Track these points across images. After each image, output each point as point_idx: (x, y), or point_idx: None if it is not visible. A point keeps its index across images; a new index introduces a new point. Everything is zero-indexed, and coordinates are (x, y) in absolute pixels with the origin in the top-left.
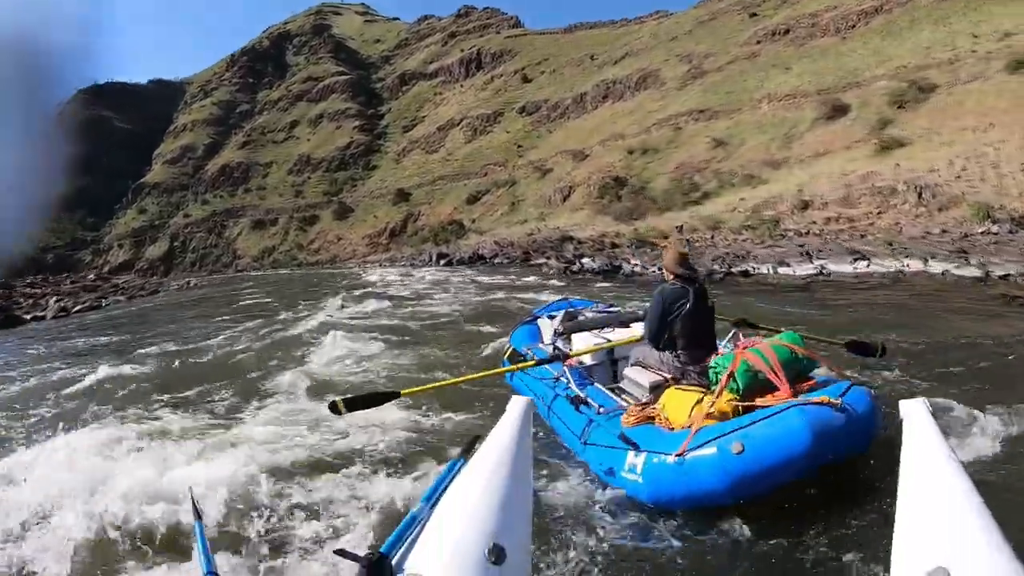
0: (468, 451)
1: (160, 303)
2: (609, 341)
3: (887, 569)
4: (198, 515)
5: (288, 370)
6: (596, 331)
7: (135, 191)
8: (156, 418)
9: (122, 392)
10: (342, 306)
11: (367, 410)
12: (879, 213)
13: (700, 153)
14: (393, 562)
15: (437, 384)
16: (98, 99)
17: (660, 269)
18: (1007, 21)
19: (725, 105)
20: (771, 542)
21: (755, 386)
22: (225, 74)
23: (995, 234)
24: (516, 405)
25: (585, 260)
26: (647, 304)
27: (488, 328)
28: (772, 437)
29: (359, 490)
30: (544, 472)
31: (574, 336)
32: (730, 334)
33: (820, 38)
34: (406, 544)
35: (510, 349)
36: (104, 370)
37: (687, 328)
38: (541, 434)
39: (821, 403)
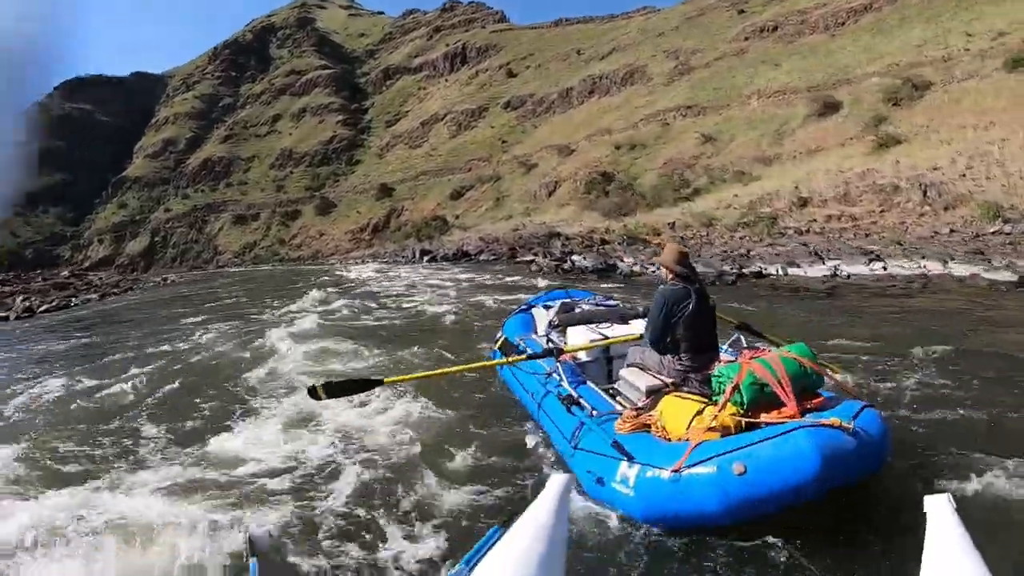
0: (507, 522)
1: (134, 302)
2: (606, 338)
3: None
4: (253, 553)
5: (268, 377)
6: (593, 325)
7: (115, 185)
8: (121, 443)
9: (80, 409)
10: (323, 305)
11: (349, 396)
12: (882, 211)
13: (689, 149)
14: None
15: (423, 374)
16: (79, 92)
17: (658, 268)
18: (1000, 20)
19: (713, 101)
20: (769, 567)
21: (760, 400)
22: (208, 67)
23: (1008, 234)
24: (556, 483)
25: (576, 257)
26: (650, 303)
27: (477, 324)
28: (778, 460)
29: (391, 537)
30: (528, 476)
31: (569, 329)
32: (732, 338)
33: (809, 35)
34: None
35: (502, 339)
36: (58, 383)
37: (690, 331)
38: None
39: (832, 426)
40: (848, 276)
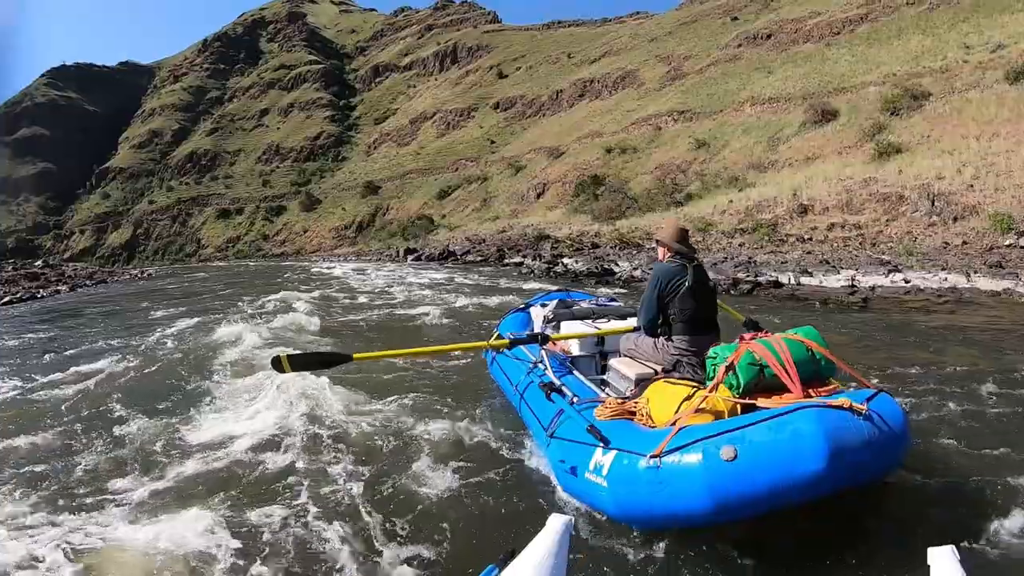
0: (504, 562)
1: (105, 295)
2: (599, 330)
3: None
4: None
5: (231, 373)
6: (589, 321)
7: (99, 175)
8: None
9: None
10: (301, 302)
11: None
12: (887, 221)
13: (682, 154)
14: None
15: (395, 352)
16: (66, 81)
17: (654, 246)
18: (998, 33)
19: (706, 107)
20: None
21: (759, 383)
22: (196, 59)
23: (1023, 248)
24: (554, 523)
25: (567, 260)
26: None
27: (463, 325)
28: (776, 444)
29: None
30: (502, 468)
31: (563, 324)
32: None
33: (803, 44)
34: None
35: (495, 335)
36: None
37: (686, 309)
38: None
39: (842, 407)
40: (873, 288)
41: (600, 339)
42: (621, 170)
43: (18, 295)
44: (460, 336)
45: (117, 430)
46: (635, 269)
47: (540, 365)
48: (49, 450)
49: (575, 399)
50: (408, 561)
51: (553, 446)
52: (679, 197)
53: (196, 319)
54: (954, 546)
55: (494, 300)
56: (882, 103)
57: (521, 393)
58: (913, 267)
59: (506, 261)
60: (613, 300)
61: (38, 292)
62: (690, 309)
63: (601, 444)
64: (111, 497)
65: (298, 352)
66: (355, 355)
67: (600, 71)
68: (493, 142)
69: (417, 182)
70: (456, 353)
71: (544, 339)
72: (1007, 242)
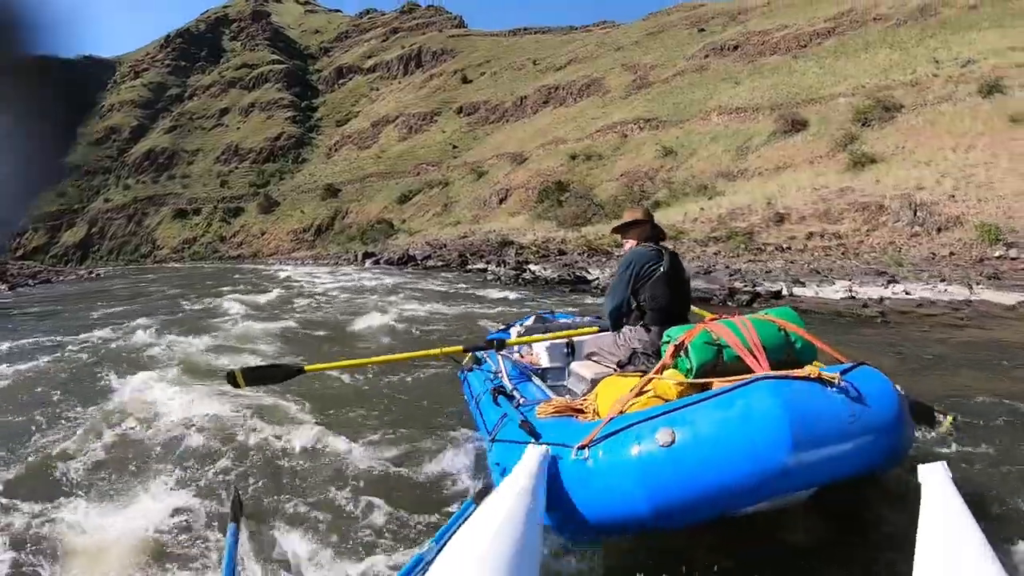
0: (481, 495)
1: (45, 295)
2: (569, 343)
3: None
4: (236, 517)
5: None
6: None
7: None
8: None
9: None
10: (253, 308)
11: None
12: (868, 230)
13: (648, 161)
14: None
15: (347, 363)
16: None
17: (621, 233)
18: (966, 49)
19: (673, 115)
20: None
21: (717, 366)
22: (158, 55)
23: (1014, 259)
24: (532, 454)
25: (535, 267)
26: None
27: (425, 336)
28: (723, 424)
29: (359, 520)
30: (444, 478)
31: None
32: None
33: (771, 56)
34: None
35: (468, 359)
36: None
37: (657, 297)
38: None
39: (808, 377)
40: (880, 300)
41: (571, 349)
42: (586, 177)
43: None
44: (419, 346)
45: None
46: (611, 277)
47: (499, 373)
48: None
49: (523, 401)
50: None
51: (494, 449)
52: (647, 204)
53: (135, 321)
54: (945, 462)
55: (457, 308)
56: (853, 114)
57: (477, 402)
58: (908, 278)
59: (469, 267)
60: (599, 318)
61: None
62: (662, 298)
63: (532, 439)
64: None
65: (251, 366)
66: (307, 367)
67: (565, 78)
68: (455, 147)
69: (377, 186)
70: (417, 363)
71: (500, 345)
72: (996, 253)
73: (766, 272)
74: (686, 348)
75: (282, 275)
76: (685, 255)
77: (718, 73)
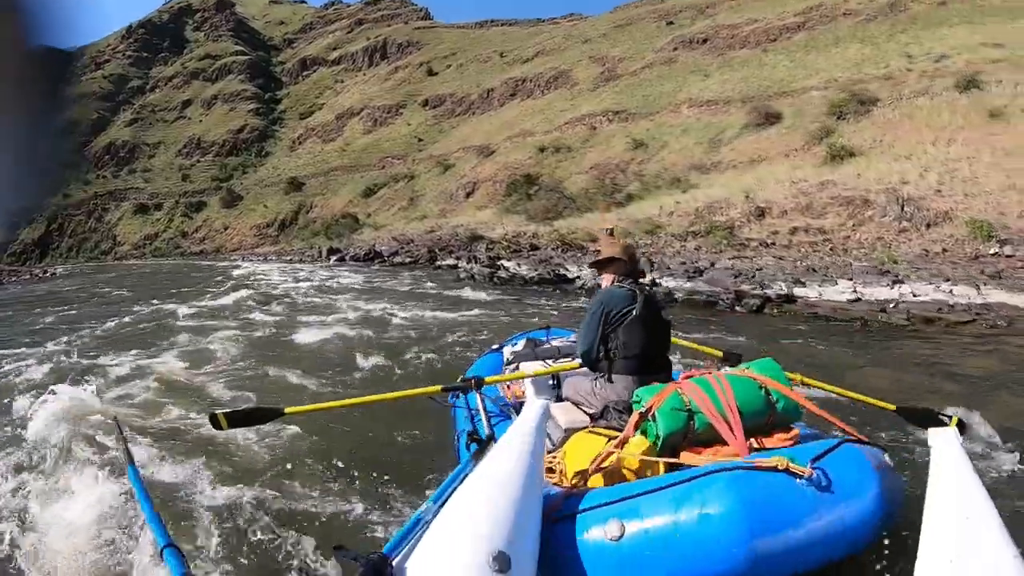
0: (480, 453)
1: None
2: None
3: None
4: (130, 458)
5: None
6: (549, 361)
7: None
8: None
9: None
10: (218, 309)
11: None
12: (854, 225)
13: (619, 154)
14: (394, 563)
15: (326, 405)
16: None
17: (597, 268)
18: (938, 45)
19: (642, 107)
20: None
21: (686, 434)
22: (119, 46)
23: (1010, 256)
24: (531, 408)
25: (508, 264)
26: None
27: (403, 351)
28: (676, 523)
29: (360, 486)
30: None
31: (522, 366)
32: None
33: (740, 49)
34: (408, 546)
35: (458, 379)
36: None
37: (631, 343)
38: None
39: (775, 468)
40: (896, 304)
41: (556, 381)
42: (555, 169)
43: None
44: (395, 365)
45: None
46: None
47: (476, 412)
48: None
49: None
50: None
51: None
52: (619, 197)
53: (88, 330)
54: (955, 428)
55: (433, 314)
56: (828, 107)
57: (456, 442)
58: (910, 277)
59: (438, 263)
60: None
61: None
62: (636, 344)
63: None
64: None
65: (233, 410)
66: (287, 410)
67: (532, 70)
68: (421, 140)
69: (342, 179)
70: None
71: (478, 383)
72: (992, 251)
73: (757, 270)
74: (654, 415)
75: (245, 274)
76: (663, 251)
77: (687, 66)
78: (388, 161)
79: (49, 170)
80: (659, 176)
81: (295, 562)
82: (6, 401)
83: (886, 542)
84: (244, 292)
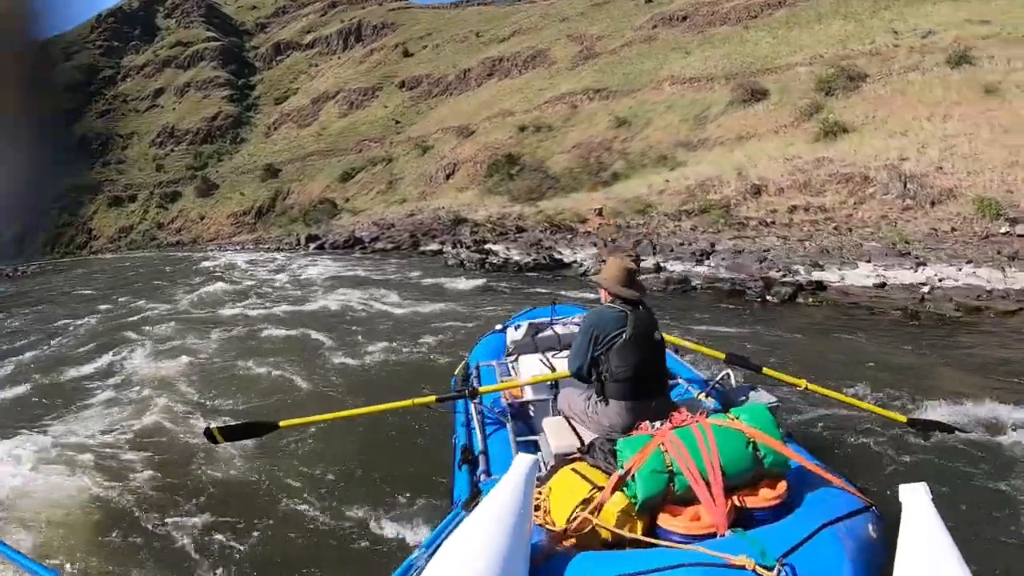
0: (470, 503)
1: None
2: (554, 370)
3: None
4: None
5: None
6: (549, 355)
7: None
8: None
9: None
10: (195, 308)
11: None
12: (856, 203)
13: (601, 132)
14: None
15: (321, 417)
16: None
17: (592, 282)
18: (923, 21)
19: (623, 85)
20: None
21: (666, 496)
22: (89, 36)
23: (1022, 236)
24: (521, 462)
25: (497, 247)
26: None
27: (399, 351)
28: None
29: (353, 504)
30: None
31: (522, 359)
32: (719, 376)
33: (720, 26)
34: None
35: (461, 367)
36: None
37: (623, 367)
38: None
39: (742, 567)
40: (931, 290)
41: (555, 383)
42: (536, 149)
43: None
44: (390, 365)
45: None
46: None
47: (471, 422)
48: None
49: (482, 476)
50: None
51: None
52: (605, 176)
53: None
54: (926, 484)
55: (424, 306)
56: (815, 83)
57: (454, 455)
58: (930, 259)
59: (422, 248)
60: None
61: None
62: (628, 368)
63: None
64: None
65: (228, 425)
66: (281, 423)
67: (509, 50)
68: (398, 122)
69: (319, 164)
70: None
71: (473, 393)
72: (1002, 229)
73: (765, 251)
74: (633, 476)
75: (220, 264)
76: (658, 231)
77: (667, 43)
78: (365, 144)
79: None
80: (644, 154)
81: None
82: None
83: None
84: (220, 287)
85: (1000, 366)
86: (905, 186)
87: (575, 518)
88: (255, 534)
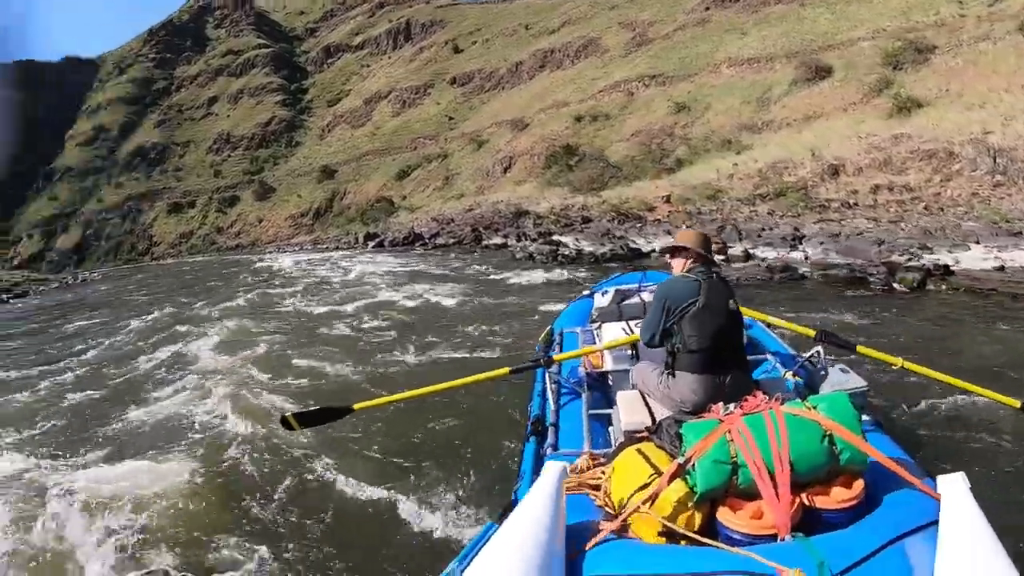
0: (503, 516)
1: (14, 314)
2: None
3: None
4: None
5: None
6: (635, 322)
7: (46, 176)
8: None
9: None
10: (261, 304)
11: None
12: (942, 181)
13: (660, 118)
14: None
15: (396, 397)
16: (6, 79)
17: (667, 255)
18: None
19: (680, 70)
20: None
21: (728, 489)
22: (142, 50)
23: None
24: (550, 471)
25: (566, 239)
26: None
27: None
28: None
29: (389, 539)
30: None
31: (604, 326)
32: (809, 354)
33: (775, 5)
34: None
35: (545, 333)
36: None
37: (696, 338)
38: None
39: None
40: None
41: (635, 351)
42: (594, 138)
43: None
44: (467, 351)
45: None
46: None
47: (546, 392)
48: None
49: (551, 448)
50: None
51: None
52: (668, 163)
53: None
54: (964, 474)
55: (497, 299)
56: (882, 57)
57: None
58: None
59: (485, 243)
60: None
61: None
62: (699, 339)
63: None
64: None
65: (302, 411)
66: (355, 406)
67: (560, 41)
68: (452, 118)
69: (374, 164)
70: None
71: (548, 362)
72: None
73: (858, 234)
74: (694, 464)
75: (280, 266)
76: (732, 217)
77: (721, 25)
78: (420, 142)
79: None
80: (707, 139)
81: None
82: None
83: None
84: (284, 285)
85: None
86: (995, 161)
87: (631, 505)
88: (319, 520)
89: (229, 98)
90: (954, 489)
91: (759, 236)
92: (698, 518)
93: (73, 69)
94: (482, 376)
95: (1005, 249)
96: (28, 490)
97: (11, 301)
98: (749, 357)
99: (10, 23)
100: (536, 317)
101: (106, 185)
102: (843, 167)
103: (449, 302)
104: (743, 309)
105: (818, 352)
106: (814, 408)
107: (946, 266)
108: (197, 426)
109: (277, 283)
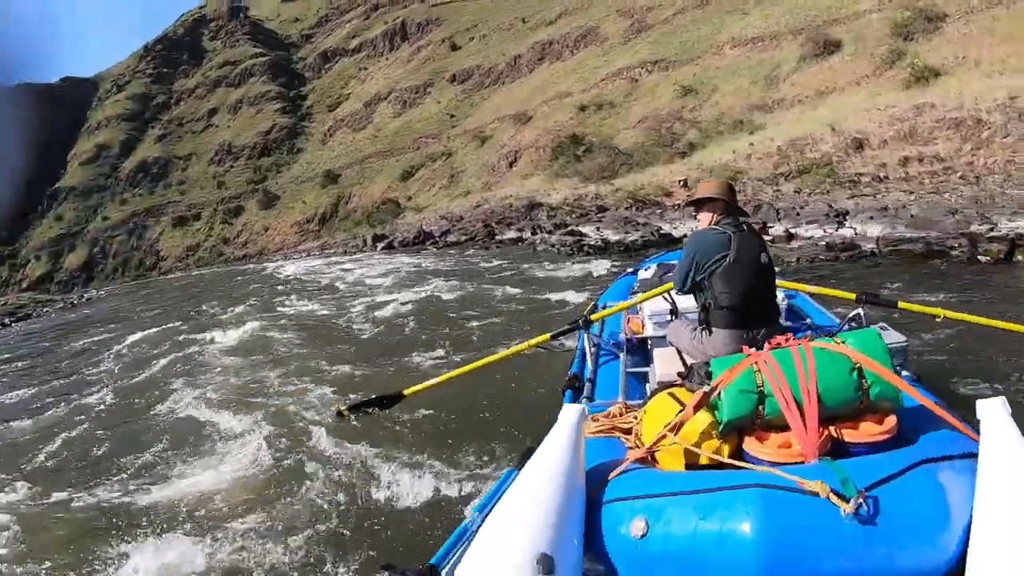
0: (521, 461)
1: (16, 337)
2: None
3: None
4: None
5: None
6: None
7: (51, 197)
8: None
9: None
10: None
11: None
12: (973, 150)
13: (667, 103)
14: (443, 573)
15: (443, 378)
16: (4, 102)
17: (693, 209)
18: None
19: (682, 54)
20: None
21: (754, 419)
22: (139, 66)
23: None
24: (567, 413)
25: (588, 229)
26: None
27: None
28: (696, 533)
29: (404, 498)
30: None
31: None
32: (850, 315)
33: None
34: (456, 556)
35: (589, 307)
36: None
37: (727, 292)
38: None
39: (815, 494)
40: None
41: (675, 312)
42: (601, 127)
43: None
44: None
45: None
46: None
47: (584, 353)
48: None
49: (586, 400)
50: None
51: None
52: (680, 147)
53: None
54: (1004, 398)
55: (517, 289)
56: (891, 28)
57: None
58: None
59: (499, 237)
60: None
61: None
62: (733, 294)
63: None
64: None
65: (356, 402)
66: (406, 392)
67: (558, 32)
68: (453, 116)
69: (378, 165)
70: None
71: (586, 323)
72: None
73: (901, 206)
74: (719, 393)
75: (288, 274)
76: (757, 198)
77: (721, 6)
78: (422, 141)
79: None
80: (718, 121)
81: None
82: None
83: None
84: (299, 291)
85: None
86: None
87: (658, 436)
88: (366, 501)
89: (229, 108)
90: (994, 413)
91: (797, 214)
92: (725, 449)
93: (72, 89)
94: (524, 345)
95: None
96: (53, 507)
97: (12, 325)
98: (792, 326)
99: (11, 48)
100: (572, 306)
101: (110, 202)
102: (867, 140)
103: (479, 295)
104: (782, 283)
105: (859, 314)
106: (843, 343)
107: (1003, 237)
108: (244, 419)
109: (290, 290)
